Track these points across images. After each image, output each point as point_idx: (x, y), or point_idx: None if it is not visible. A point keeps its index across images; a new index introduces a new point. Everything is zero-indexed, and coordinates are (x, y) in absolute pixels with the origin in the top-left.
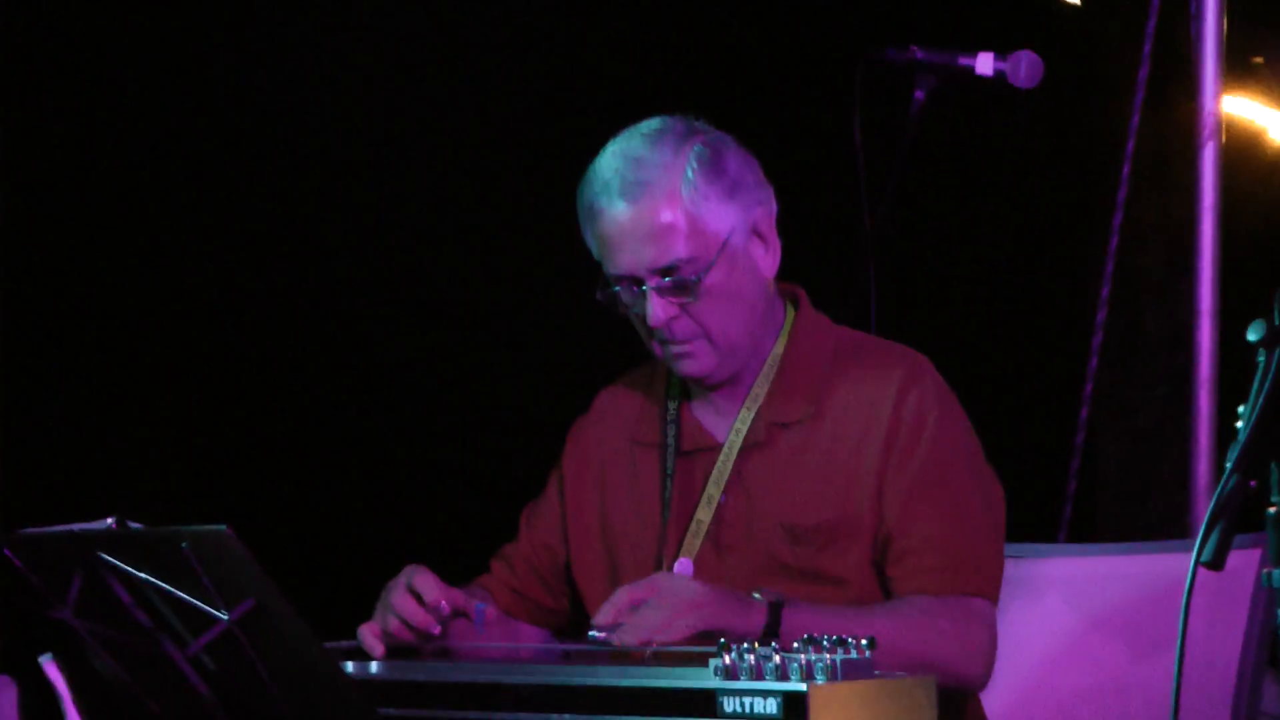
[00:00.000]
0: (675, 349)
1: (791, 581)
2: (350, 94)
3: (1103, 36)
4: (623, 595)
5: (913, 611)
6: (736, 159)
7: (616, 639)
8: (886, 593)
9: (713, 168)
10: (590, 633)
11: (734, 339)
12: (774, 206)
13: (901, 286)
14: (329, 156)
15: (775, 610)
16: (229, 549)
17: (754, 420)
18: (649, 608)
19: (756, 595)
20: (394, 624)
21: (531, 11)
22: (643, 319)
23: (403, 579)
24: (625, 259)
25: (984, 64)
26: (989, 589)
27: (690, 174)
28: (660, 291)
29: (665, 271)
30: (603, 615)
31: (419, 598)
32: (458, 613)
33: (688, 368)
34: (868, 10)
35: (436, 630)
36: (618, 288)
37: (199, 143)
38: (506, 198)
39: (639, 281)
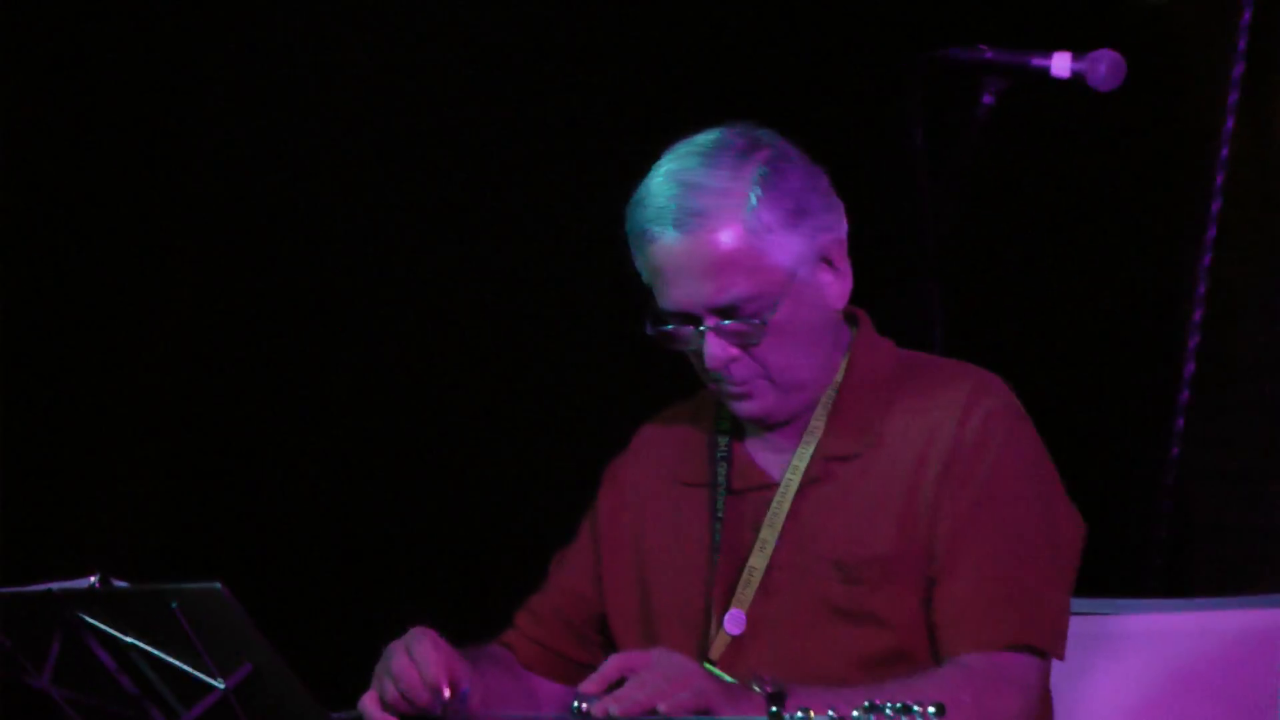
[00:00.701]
0: (732, 389)
1: (841, 626)
2: (366, 104)
3: (1192, 32)
4: (613, 664)
5: (929, 688)
6: (803, 177)
7: (601, 709)
8: (936, 644)
9: (777, 191)
10: (574, 702)
11: (799, 378)
12: (844, 229)
13: (968, 311)
14: (323, 179)
15: (776, 700)
16: (223, 609)
17: (812, 456)
18: (639, 678)
19: (755, 687)
20: (392, 694)
21: (569, 9)
22: (699, 357)
23: (404, 644)
24: (679, 294)
25: (1060, 64)
26: (1042, 641)
27: (754, 200)
28: (719, 333)
29: (725, 311)
30: (589, 683)
31: (421, 669)
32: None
33: (746, 408)
34: (929, 5)
35: (437, 711)
36: (671, 324)
37: (179, 178)
38: (536, 209)
39: (695, 320)
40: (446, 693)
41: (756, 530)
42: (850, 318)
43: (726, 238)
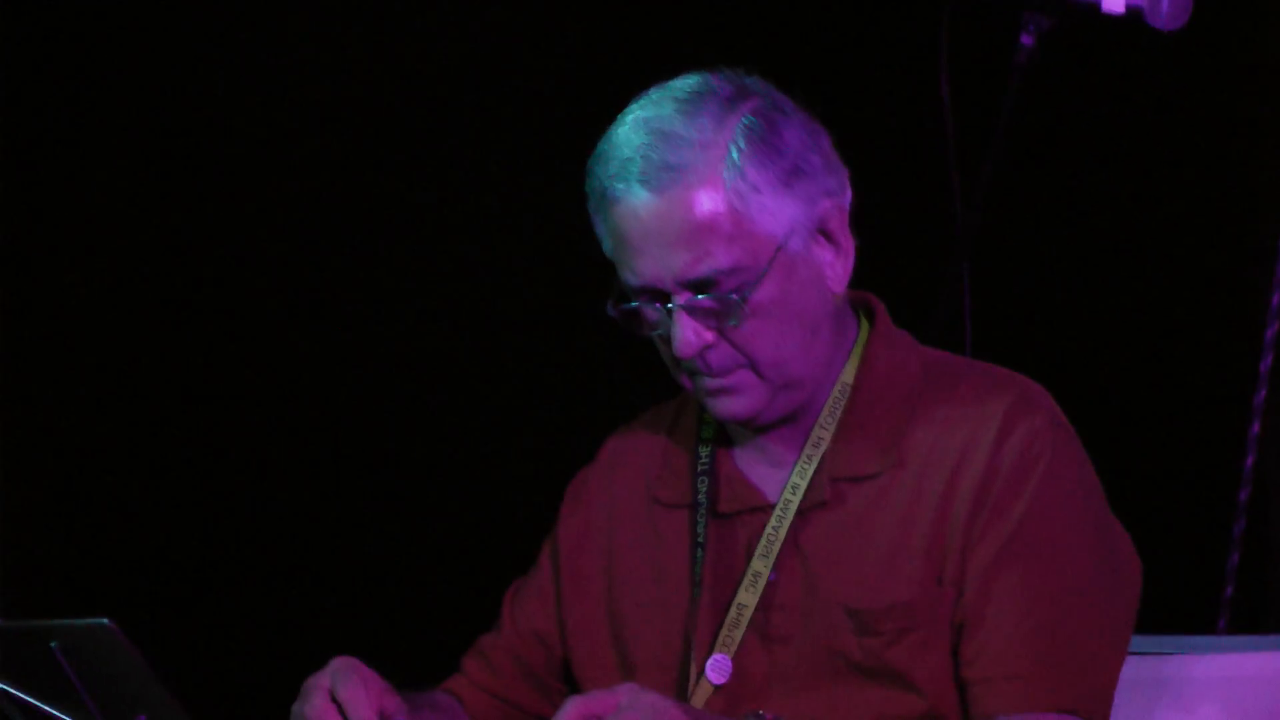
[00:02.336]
0: (710, 383)
1: (859, 684)
2: (333, 100)
3: None
4: (574, 708)
5: None
6: (799, 133)
7: None
8: (964, 704)
9: (767, 146)
10: None
11: (791, 372)
12: (848, 196)
13: (1004, 296)
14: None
15: None
16: (114, 649)
17: (815, 473)
18: None
19: None
20: None
21: None
22: (668, 343)
23: (326, 681)
24: (647, 265)
25: None
26: (1090, 705)
27: (736, 155)
28: (692, 312)
29: (699, 285)
30: None
31: (346, 711)
32: None
33: (727, 407)
34: None
35: None
36: (636, 301)
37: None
38: (484, 183)
39: (664, 296)
40: None
41: (748, 560)
42: (862, 307)
43: (704, 198)
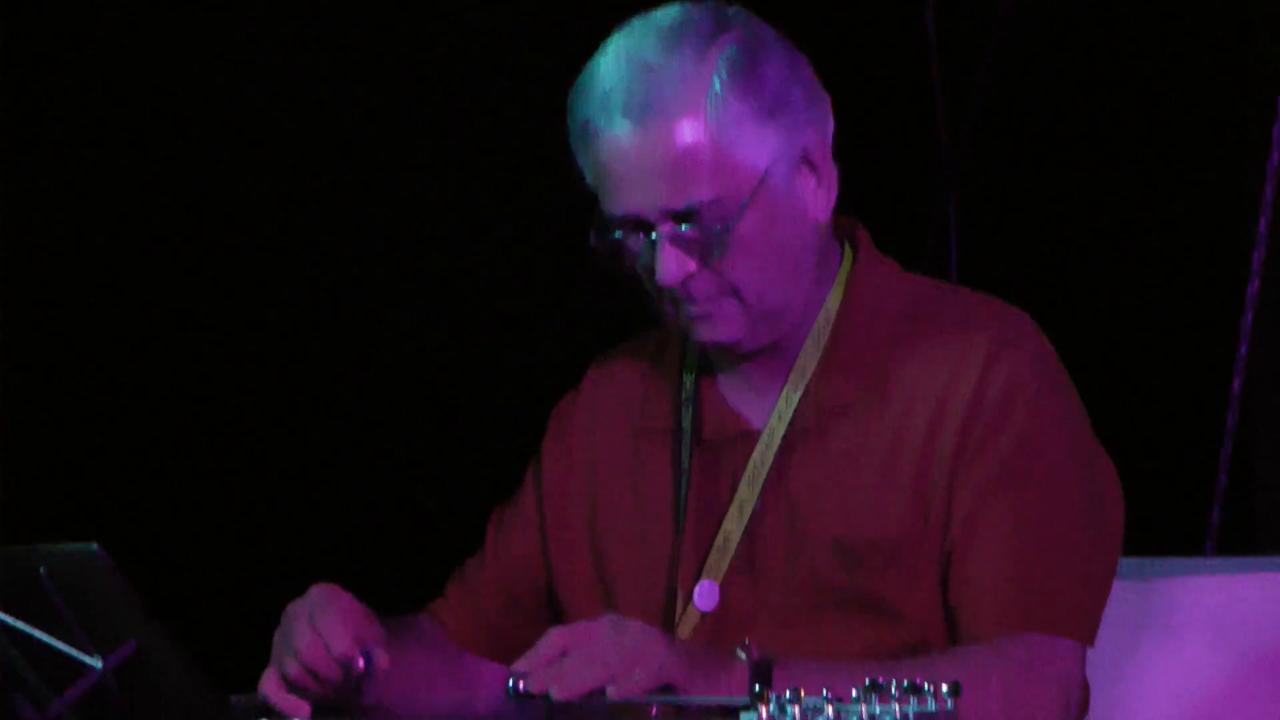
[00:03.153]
0: (692, 310)
1: (846, 616)
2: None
3: None
4: (553, 638)
5: (952, 668)
6: (781, 63)
7: (539, 686)
8: (952, 633)
9: (748, 78)
10: (508, 681)
11: (773, 302)
12: (830, 126)
13: (990, 227)
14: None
15: (762, 673)
16: (102, 574)
17: (801, 401)
18: (581, 655)
19: (740, 653)
20: (294, 669)
21: None
22: (651, 273)
23: (306, 611)
24: (629, 197)
25: None
26: (1075, 627)
27: (718, 86)
28: (675, 242)
29: (682, 217)
30: (524, 661)
31: (327, 643)
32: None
33: (710, 333)
34: None
35: (349, 685)
36: (619, 233)
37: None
38: (458, 103)
39: (647, 226)
40: (361, 663)
41: (733, 489)
42: (846, 235)
43: (686, 131)
